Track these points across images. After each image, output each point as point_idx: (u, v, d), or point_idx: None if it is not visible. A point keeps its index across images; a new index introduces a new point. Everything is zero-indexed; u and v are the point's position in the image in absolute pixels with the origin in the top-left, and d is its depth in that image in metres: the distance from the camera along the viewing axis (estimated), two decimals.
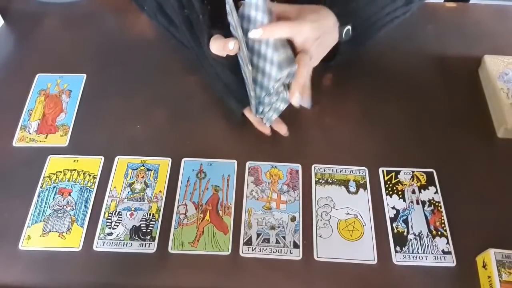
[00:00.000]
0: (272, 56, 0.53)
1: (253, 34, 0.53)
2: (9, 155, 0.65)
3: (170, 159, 0.64)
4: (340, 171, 0.64)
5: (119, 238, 0.58)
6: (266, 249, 0.57)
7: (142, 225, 0.59)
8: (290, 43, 0.56)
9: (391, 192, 0.62)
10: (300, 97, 0.55)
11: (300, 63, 0.55)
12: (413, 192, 0.62)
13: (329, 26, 0.58)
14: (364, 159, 0.65)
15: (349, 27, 0.60)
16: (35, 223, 0.59)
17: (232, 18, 0.54)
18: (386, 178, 0.63)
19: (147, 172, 0.63)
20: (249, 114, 0.64)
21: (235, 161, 0.64)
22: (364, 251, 0.57)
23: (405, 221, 0.60)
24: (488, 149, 0.67)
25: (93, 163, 0.64)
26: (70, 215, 0.59)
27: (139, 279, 0.55)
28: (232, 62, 0.59)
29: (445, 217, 0.60)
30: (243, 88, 0.61)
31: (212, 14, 0.60)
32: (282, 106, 0.61)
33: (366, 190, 0.62)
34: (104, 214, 0.60)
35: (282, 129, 0.64)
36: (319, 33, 0.56)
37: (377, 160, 0.65)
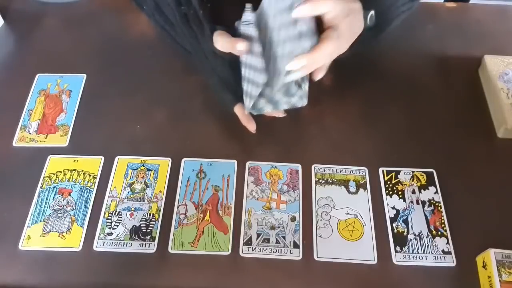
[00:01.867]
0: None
1: (298, 11, 0.50)
2: (9, 155, 0.65)
3: (170, 159, 0.64)
4: (340, 171, 0.64)
5: (119, 238, 0.58)
6: (266, 249, 0.57)
7: (142, 225, 0.59)
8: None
9: (391, 192, 0.62)
10: (300, 66, 0.51)
11: (326, 38, 0.52)
12: (413, 192, 0.62)
13: (357, 8, 0.56)
14: (364, 159, 0.65)
15: (372, 12, 0.58)
16: (35, 223, 0.59)
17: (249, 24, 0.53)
18: (386, 178, 0.63)
19: (147, 172, 0.63)
20: (238, 110, 0.64)
21: (235, 161, 0.64)
22: (364, 251, 0.57)
23: (405, 221, 0.60)
24: (488, 149, 0.67)
25: (93, 163, 0.64)
26: (70, 215, 0.59)
27: (139, 279, 0.55)
28: (232, 57, 0.59)
29: (445, 217, 0.60)
30: (239, 83, 0.61)
31: (211, 11, 0.60)
32: (283, 102, 0.59)
33: (366, 190, 0.62)
34: (104, 214, 0.60)
35: (251, 126, 0.63)
36: (349, 12, 0.54)
37: (377, 160, 0.65)
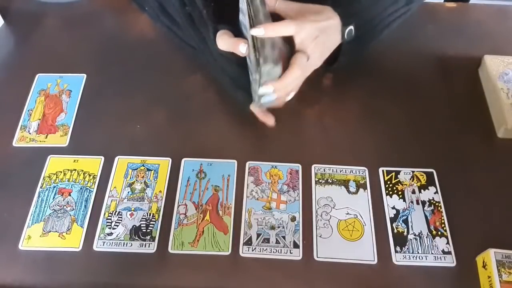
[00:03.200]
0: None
1: (255, 32, 0.53)
2: (9, 155, 0.65)
3: (170, 159, 0.64)
4: (340, 171, 0.64)
5: (119, 238, 0.58)
6: (266, 249, 0.57)
7: (142, 225, 0.59)
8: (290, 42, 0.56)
9: (391, 192, 0.62)
10: (270, 92, 0.55)
11: (296, 63, 0.55)
12: (413, 192, 0.62)
13: (330, 26, 0.58)
14: (364, 159, 0.65)
15: (351, 27, 0.60)
16: (35, 223, 0.59)
17: (244, 16, 0.53)
18: (386, 178, 0.63)
19: (147, 172, 0.63)
20: (254, 106, 0.64)
21: (235, 161, 0.64)
22: (364, 251, 0.57)
23: (405, 221, 0.60)
24: (488, 149, 0.67)
25: (93, 163, 0.64)
26: (70, 215, 0.59)
27: (139, 279, 0.55)
28: (237, 55, 0.59)
29: (445, 217, 0.60)
30: (249, 81, 0.61)
31: (215, 11, 0.60)
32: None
33: (366, 190, 0.62)
34: (104, 214, 0.60)
35: (269, 120, 0.63)
36: (318, 33, 0.56)
37: (377, 160, 0.65)
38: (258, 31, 0.53)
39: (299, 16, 0.56)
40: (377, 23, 0.64)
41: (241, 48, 0.55)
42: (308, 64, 0.57)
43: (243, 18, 0.56)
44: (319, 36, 0.56)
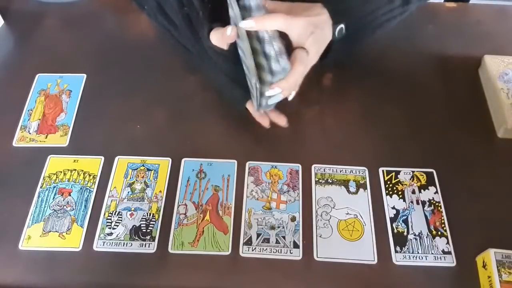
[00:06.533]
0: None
1: (244, 24, 0.53)
2: (9, 155, 0.65)
3: (170, 159, 0.64)
4: (340, 171, 0.64)
5: (119, 238, 0.58)
6: (266, 249, 0.57)
7: (142, 225, 0.59)
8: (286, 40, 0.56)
9: (391, 192, 0.62)
10: (276, 92, 0.55)
11: (297, 59, 0.54)
12: (413, 192, 0.62)
13: (322, 22, 0.58)
14: (364, 159, 0.65)
15: (342, 26, 0.59)
16: (35, 223, 0.59)
17: (232, 9, 0.54)
18: (386, 178, 0.63)
19: (147, 172, 0.63)
20: (250, 106, 0.64)
21: (235, 161, 0.64)
22: (364, 251, 0.57)
23: (405, 221, 0.60)
24: (488, 149, 0.67)
25: (93, 163, 0.64)
26: (70, 215, 0.59)
27: (139, 279, 0.55)
28: (234, 54, 0.59)
29: (445, 217, 0.60)
30: (246, 79, 0.61)
31: (212, 12, 0.60)
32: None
33: (366, 190, 0.62)
34: (104, 214, 0.60)
35: (281, 121, 0.63)
36: (313, 28, 0.56)
37: (377, 160, 0.65)
38: (248, 23, 0.53)
39: (289, 14, 0.56)
40: (368, 22, 0.63)
41: (228, 31, 0.54)
42: (308, 60, 0.57)
43: (235, 18, 0.56)
44: (314, 32, 0.56)
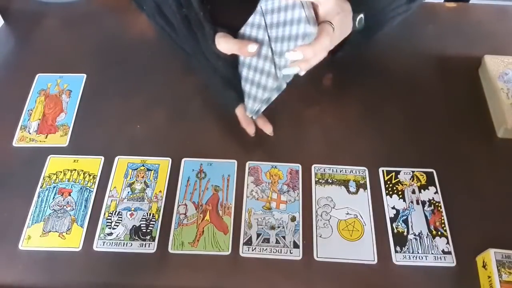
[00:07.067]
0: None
1: None
2: (9, 155, 0.65)
3: (170, 159, 0.64)
4: (340, 171, 0.64)
5: (119, 238, 0.58)
6: (266, 249, 0.57)
7: (142, 225, 0.59)
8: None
9: (391, 192, 0.62)
10: (298, 56, 0.53)
11: (324, 31, 0.53)
12: (413, 192, 0.62)
13: (346, 8, 0.58)
14: (364, 159, 0.65)
15: (362, 15, 0.60)
16: (35, 223, 0.59)
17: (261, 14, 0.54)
18: (386, 178, 0.63)
19: (147, 172, 0.63)
20: (239, 111, 0.64)
21: (235, 161, 0.64)
22: (364, 251, 0.57)
23: (405, 221, 0.60)
24: (488, 149, 0.67)
25: (93, 163, 0.64)
26: (70, 215, 0.59)
27: (139, 279, 0.55)
28: (235, 58, 0.60)
29: (445, 217, 0.60)
30: (240, 82, 0.62)
31: (210, 13, 0.61)
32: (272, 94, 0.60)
33: (366, 190, 0.62)
34: (104, 214, 0.60)
35: (267, 129, 0.64)
36: (340, 9, 0.56)
37: (377, 160, 0.65)
38: None
39: None
40: (384, 16, 0.64)
41: (251, 49, 0.55)
42: (334, 36, 0.56)
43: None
44: (340, 13, 0.56)
